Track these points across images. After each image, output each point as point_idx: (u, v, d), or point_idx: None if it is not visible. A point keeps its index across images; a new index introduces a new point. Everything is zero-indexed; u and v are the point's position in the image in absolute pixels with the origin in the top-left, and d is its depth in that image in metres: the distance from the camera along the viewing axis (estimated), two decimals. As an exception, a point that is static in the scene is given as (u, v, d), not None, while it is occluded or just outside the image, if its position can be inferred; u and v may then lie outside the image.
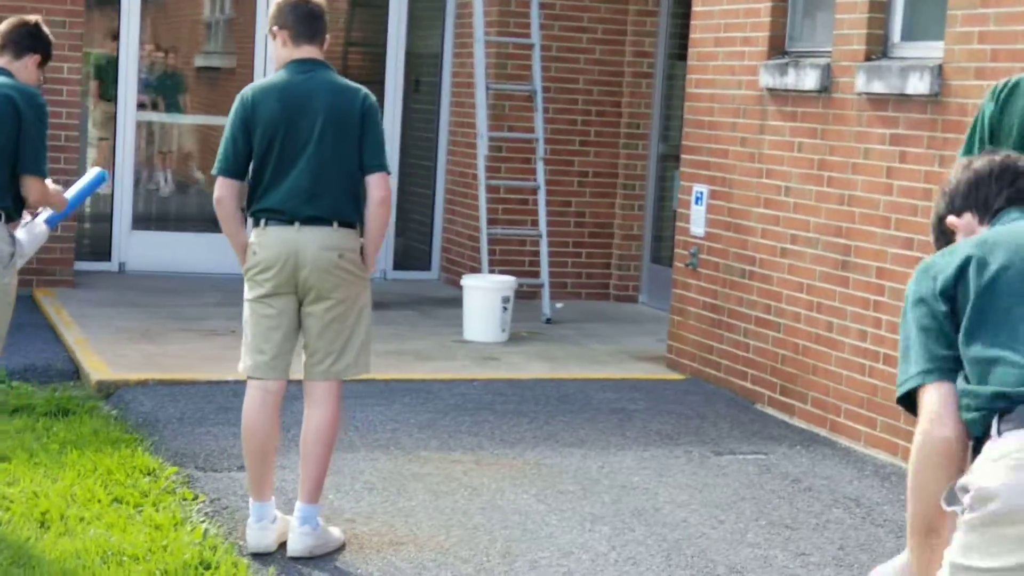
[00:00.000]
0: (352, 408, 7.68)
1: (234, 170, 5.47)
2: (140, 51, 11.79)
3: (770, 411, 8.11)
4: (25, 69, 5.66)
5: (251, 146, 5.45)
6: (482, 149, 10.96)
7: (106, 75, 12.06)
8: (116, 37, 11.72)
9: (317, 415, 5.53)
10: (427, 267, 12.55)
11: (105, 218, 12.01)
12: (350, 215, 5.49)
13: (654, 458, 7.05)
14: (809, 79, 7.73)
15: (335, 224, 5.45)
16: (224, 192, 5.48)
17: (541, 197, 11.07)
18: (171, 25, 13.20)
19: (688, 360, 8.95)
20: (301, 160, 5.42)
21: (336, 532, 5.60)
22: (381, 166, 5.48)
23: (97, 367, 8.26)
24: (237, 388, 7.79)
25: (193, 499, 6.06)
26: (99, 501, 5.90)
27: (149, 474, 6.31)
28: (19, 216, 5.67)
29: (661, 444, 7.32)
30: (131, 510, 5.83)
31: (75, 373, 8.38)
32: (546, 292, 10.84)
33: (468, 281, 9.94)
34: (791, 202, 7.95)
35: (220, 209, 5.50)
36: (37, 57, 5.70)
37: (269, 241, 5.43)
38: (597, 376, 8.83)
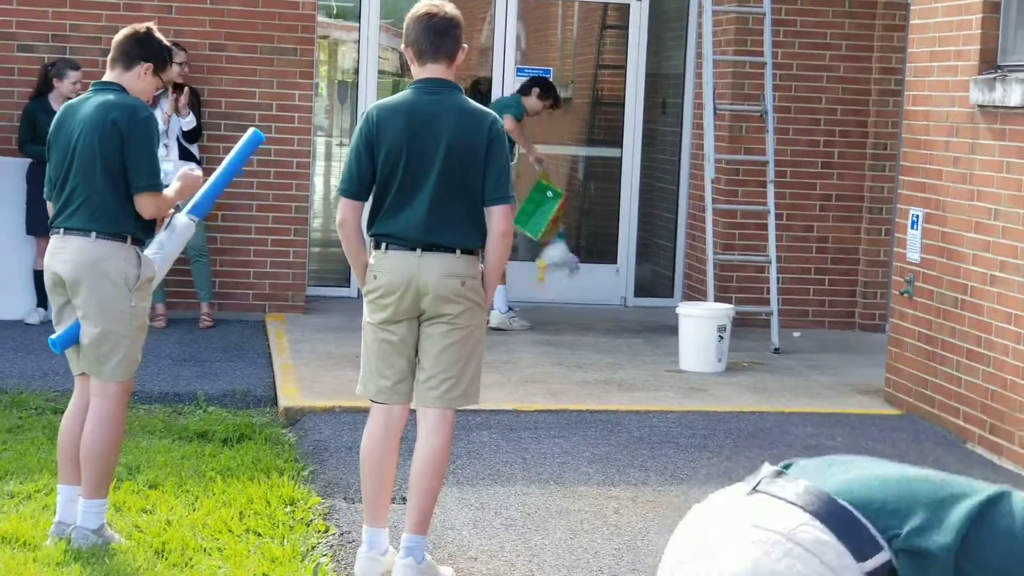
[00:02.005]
0: (529, 440, 7.47)
1: (357, 191, 5.34)
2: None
3: (979, 450, 7.49)
4: (138, 79, 5.60)
5: (375, 167, 5.30)
6: (709, 172, 10.59)
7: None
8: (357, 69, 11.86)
9: (429, 443, 5.35)
10: (669, 293, 12.21)
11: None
12: (472, 242, 5.30)
13: (829, 501, 6.55)
14: (1015, 95, 7.10)
15: (457, 251, 5.27)
16: (347, 214, 5.35)
17: (771, 221, 10.61)
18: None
19: (904, 394, 8.37)
20: (424, 184, 5.26)
21: (446, 572, 5.38)
22: (504, 197, 5.28)
23: (290, 393, 8.27)
24: (412, 416, 7.69)
25: (324, 531, 5.94)
26: (229, 531, 5.84)
27: (290, 504, 6.23)
28: (147, 236, 5.64)
29: (845, 486, 6.81)
30: (256, 542, 5.74)
31: (273, 399, 8.42)
32: (775, 320, 10.36)
33: (683, 309, 9.59)
34: (1000, 226, 7.32)
35: (342, 231, 5.39)
36: (149, 66, 5.60)
37: (390, 266, 5.30)
38: (804, 410, 8.35)
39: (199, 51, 10.50)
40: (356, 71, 12.04)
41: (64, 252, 5.54)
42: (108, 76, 5.62)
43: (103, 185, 5.49)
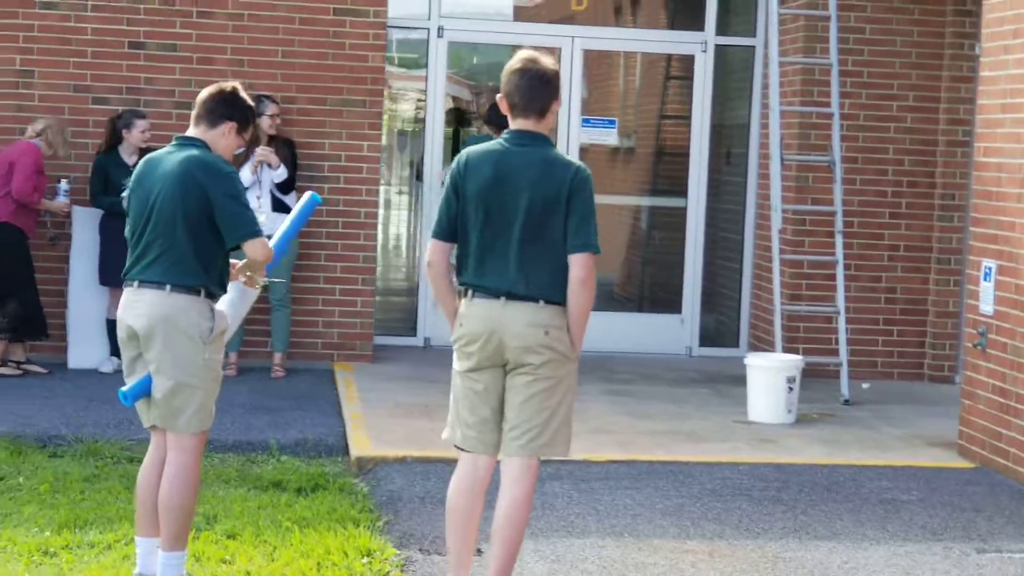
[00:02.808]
0: (601, 491, 7.47)
1: (446, 233, 5.41)
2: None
3: (1056, 506, 7.43)
4: (222, 137, 5.66)
5: (459, 211, 5.37)
6: (776, 222, 10.58)
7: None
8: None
9: (511, 493, 5.37)
10: (735, 344, 12.19)
11: (411, 293, 12.21)
12: (555, 293, 5.33)
13: (907, 555, 6.53)
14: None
15: (540, 302, 5.30)
16: (435, 255, 5.43)
17: (839, 272, 10.59)
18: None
19: (978, 447, 8.32)
20: (508, 234, 5.31)
21: (526, 624, 5.39)
22: (586, 245, 5.29)
23: (361, 443, 8.31)
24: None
25: (401, 583, 5.97)
26: (307, 582, 5.88)
27: (367, 556, 6.25)
28: (220, 291, 5.69)
29: (921, 539, 6.78)
30: (335, 592, 5.78)
31: (344, 449, 8.45)
32: (844, 371, 10.33)
33: (752, 360, 9.57)
34: (1076, 279, 7.29)
35: (429, 271, 5.46)
36: (233, 125, 5.67)
37: (475, 314, 5.35)
38: (877, 463, 8.30)
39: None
40: (416, 119, 12.14)
41: (138, 305, 5.57)
42: (192, 132, 5.68)
43: (182, 239, 5.53)
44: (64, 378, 10.07)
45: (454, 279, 5.46)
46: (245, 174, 10.21)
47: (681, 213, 12.25)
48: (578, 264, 5.29)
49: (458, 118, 12.52)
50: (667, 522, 6.94)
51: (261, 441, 8.38)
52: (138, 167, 5.73)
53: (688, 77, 12.27)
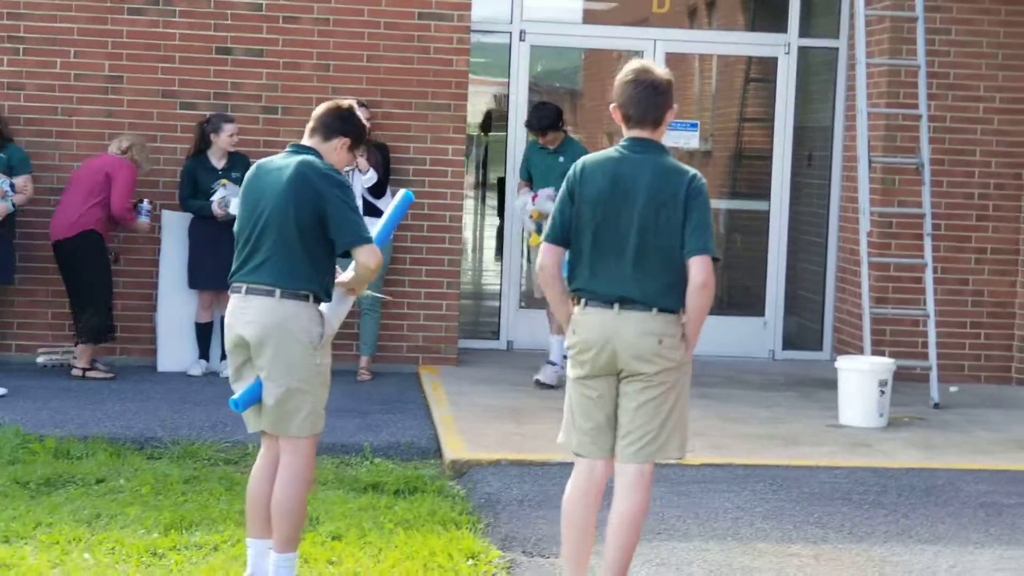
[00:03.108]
0: (699, 494, 7.45)
1: (559, 238, 5.43)
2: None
3: None
4: (334, 152, 5.70)
5: (574, 217, 5.39)
6: (864, 225, 10.50)
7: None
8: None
9: (626, 499, 5.37)
10: (818, 347, 12.11)
11: (494, 296, 12.22)
12: (669, 301, 5.32)
13: (1013, 559, 6.47)
14: None
15: (654, 310, 5.29)
16: (547, 259, 5.44)
17: (928, 275, 10.50)
18: (583, 105, 13.33)
19: (1077, 452, 8.22)
20: (622, 241, 5.32)
21: (639, 628, 5.38)
22: (704, 249, 5.28)
23: (454, 446, 8.32)
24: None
25: (508, 586, 5.97)
26: (415, 584, 5.89)
27: (472, 558, 6.25)
28: (327, 297, 5.70)
29: (1027, 544, 6.72)
30: (444, 594, 5.78)
31: (437, 451, 8.47)
32: (934, 375, 10.24)
33: (843, 363, 9.51)
34: None
35: (541, 275, 5.47)
36: (347, 141, 5.72)
37: (588, 323, 5.35)
38: (973, 466, 8.23)
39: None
40: (482, 126, 12.17)
41: (247, 312, 5.58)
42: (306, 142, 5.72)
43: (292, 244, 5.53)
44: (155, 381, 10.14)
45: (565, 285, 5.47)
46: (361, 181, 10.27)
47: (763, 216, 12.20)
48: (698, 267, 5.27)
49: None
50: (768, 526, 6.91)
51: (354, 444, 8.41)
52: (250, 172, 5.76)
53: (769, 79, 12.22)
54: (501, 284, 12.05)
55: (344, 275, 5.74)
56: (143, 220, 10.23)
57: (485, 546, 6.42)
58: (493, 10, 11.78)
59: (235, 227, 5.74)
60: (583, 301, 5.37)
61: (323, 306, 5.68)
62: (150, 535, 6.40)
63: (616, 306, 5.30)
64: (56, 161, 10.60)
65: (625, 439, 5.36)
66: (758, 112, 12.58)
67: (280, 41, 10.77)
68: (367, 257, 5.58)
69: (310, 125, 5.74)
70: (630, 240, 5.29)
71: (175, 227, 10.52)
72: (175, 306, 10.53)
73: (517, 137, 11.83)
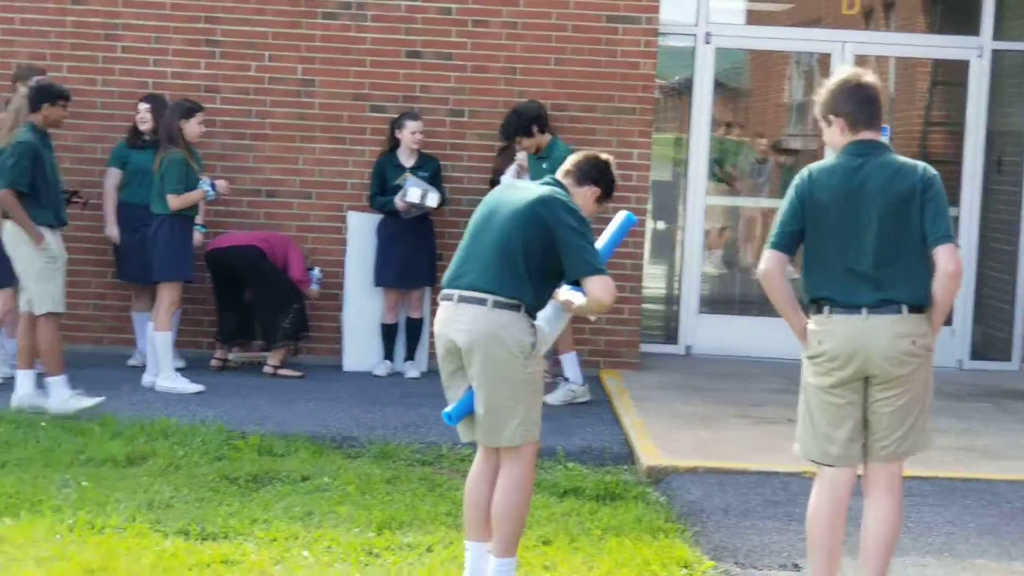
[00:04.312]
0: (908, 508, 7.27)
1: (784, 244, 5.41)
2: (712, 134, 11.86)
3: None
4: (582, 196, 5.74)
5: (804, 224, 5.36)
6: (1064, 233, 10.25)
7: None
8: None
9: (881, 504, 5.40)
10: (1007, 357, 11.84)
11: (672, 300, 12.14)
12: (917, 298, 5.28)
13: None
14: None
15: (904, 310, 5.25)
16: (770, 265, 5.41)
17: None
18: (750, 107, 13.23)
19: None
20: (863, 245, 5.30)
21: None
22: (947, 236, 5.25)
23: (649, 452, 8.28)
24: (786, 480, 7.62)
25: (727, 596, 5.91)
26: (632, 591, 5.86)
27: (685, 567, 6.20)
28: (538, 310, 5.69)
29: None
30: (662, 603, 5.74)
31: (629, 457, 8.43)
32: None
33: (1043, 375, 9.29)
34: None
35: (766, 281, 5.43)
36: (597, 191, 5.80)
37: (836, 331, 5.32)
38: None
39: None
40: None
41: (460, 321, 5.58)
42: (559, 179, 5.80)
43: (515, 260, 5.53)
44: (342, 380, 10.25)
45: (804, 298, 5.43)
46: (507, 179, 10.26)
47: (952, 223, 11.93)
48: (946, 256, 5.23)
49: None
50: (985, 542, 6.75)
51: (547, 447, 8.34)
52: (498, 187, 5.90)
53: (957, 83, 11.96)
54: (680, 288, 11.97)
55: (569, 293, 5.72)
56: (315, 288, 10.44)
57: (697, 556, 6.36)
58: (676, 13, 11.70)
59: (465, 234, 5.77)
60: (826, 309, 5.32)
61: (540, 318, 5.68)
62: (364, 534, 6.45)
63: (864, 311, 5.26)
64: (250, 163, 10.78)
65: (879, 443, 5.35)
66: (945, 116, 12.33)
67: (468, 45, 10.82)
68: (600, 290, 5.55)
69: (565, 167, 5.83)
70: (871, 243, 5.26)
71: (362, 227, 10.62)
72: (361, 305, 10.63)
73: (700, 143, 11.73)
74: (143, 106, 10.25)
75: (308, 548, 6.22)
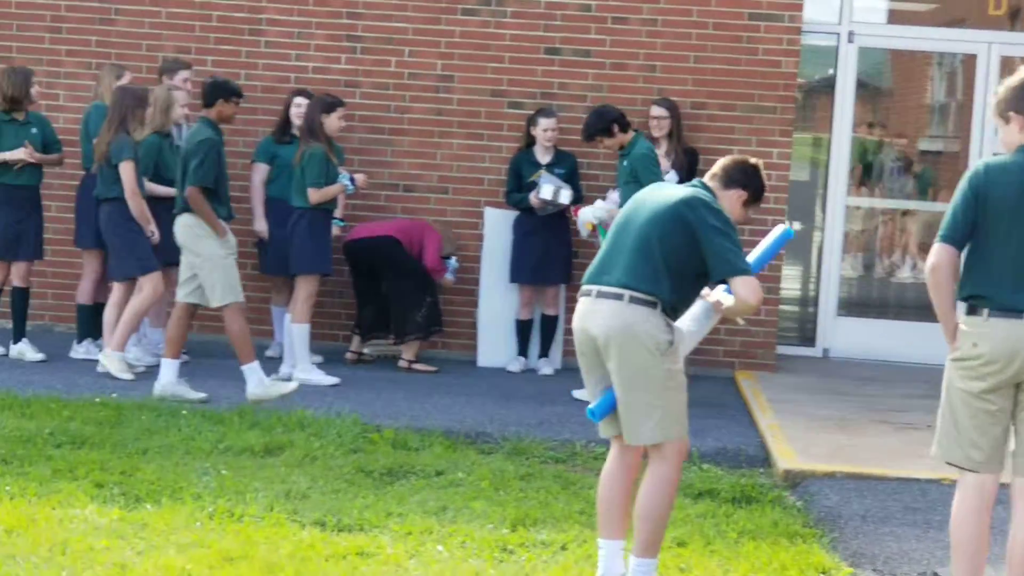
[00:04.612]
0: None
1: (956, 239, 5.29)
2: (852, 135, 11.71)
3: None
4: (728, 199, 5.69)
5: (975, 219, 5.25)
6: None
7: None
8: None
9: None
10: None
11: (810, 302, 12.00)
12: None
13: None
14: None
15: None
16: (940, 259, 5.28)
17: None
18: (892, 108, 13.03)
19: None
20: None
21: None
22: None
23: (786, 455, 8.18)
24: (925, 487, 7.50)
25: (865, 603, 5.82)
26: (769, 596, 5.79)
27: (823, 573, 6.12)
28: (680, 310, 5.64)
29: None
30: (798, 609, 5.67)
31: (765, 460, 8.35)
32: None
33: None
34: None
35: (933, 276, 5.30)
36: (744, 194, 5.73)
37: (994, 335, 5.21)
38: None
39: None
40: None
41: (596, 315, 5.58)
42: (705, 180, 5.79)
43: (656, 259, 5.50)
44: (476, 376, 10.28)
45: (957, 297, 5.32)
46: (670, 177, 10.23)
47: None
48: None
49: None
50: None
51: (682, 448, 8.33)
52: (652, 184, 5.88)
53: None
54: (818, 290, 11.83)
55: (721, 294, 5.68)
56: (449, 277, 10.45)
57: (835, 562, 6.27)
58: (818, 12, 11.55)
59: (608, 232, 5.77)
60: (984, 311, 5.21)
61: (688, 317, 5.64)
62: (498, 530, 6.45)
63: None
64: (388, 157, 10.87)
65: None
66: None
67: (608, 42, 10.80)
68: (746, 290, 5.51)
69: (712, 171, 5.80)
70: None
71: (497, 223, 10.65)
72: (495, 302, 10.65)
73: (841, 142, 11.59)
74: (299, 99, 10.31)
75: (442, 543, 6.23)
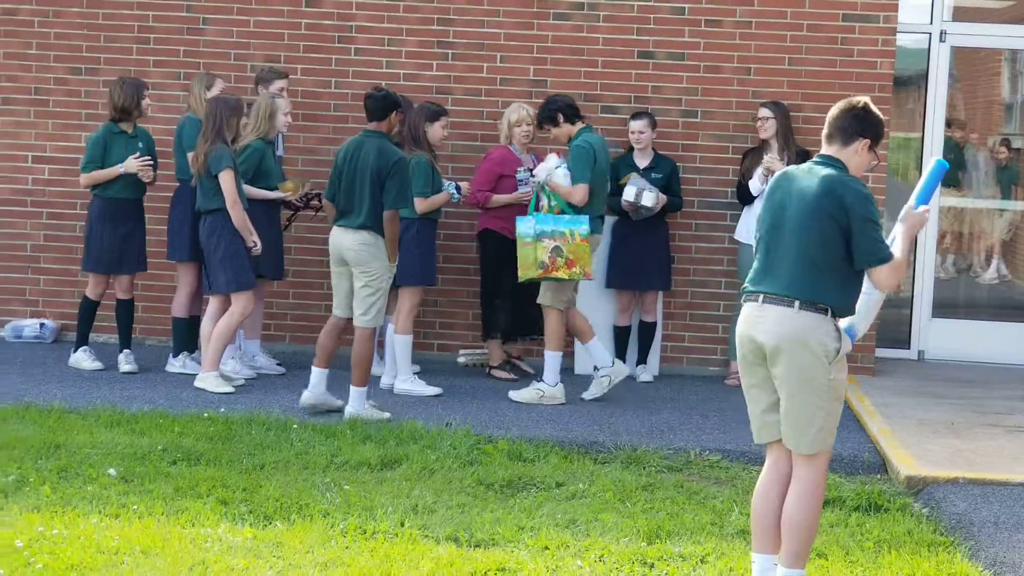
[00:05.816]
0: None
1: None
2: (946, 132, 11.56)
3: None
4: (855, 155, 5.54)
5: None
6: None
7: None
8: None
9: None
10: None
11: (903, 304, 11.86)
12: None
13: None
14: None
15: None
16: None
17: None
18: (977, 104, 12.86)
19: None
20: None
21: None
22: None
23: (905, 461, 8.07)
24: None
25: (1019, 616, 5.71)
26: (916, 608, 5.70)
27: (968, 583, 6.03)
28: (846, 313, 5.55)
29: None
30: (953, 622, 5.57)
31: (881, 466, 8.24)
32: None
33: None
34: None
35: None
36: (866, 141, 5.54)
37: None
38: None
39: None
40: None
41: (764, 321, 5.53)
42: (826, 150, 5.60)
43: (816, 257, 5.45)
44: (576, 383, 10.16)
45: None
46: (755, 183, 10.12)
47: None
48: None
49: None
50: None
51: (795, 455, 8.23)
52: (773, 180, 5.70)
53: None
54: (912, 292, 11.69)
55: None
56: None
57: (978, 571, 6.17)
58: (908, 12, 11.39)
59: (755, 235, 5.68)
60: None
61: (858, 312, 5.56)
62: (634, 543, 6.38)
63: None
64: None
65: None
66: None
67: (701, 45, 10.70)
68: (886, 278, 5.44)
69: (825, 131, 5.62)
70: None
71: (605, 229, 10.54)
72: (594, 307, 10.54)
73: (934, 143, 11.44)
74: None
75: (580, 557, 6.17)
